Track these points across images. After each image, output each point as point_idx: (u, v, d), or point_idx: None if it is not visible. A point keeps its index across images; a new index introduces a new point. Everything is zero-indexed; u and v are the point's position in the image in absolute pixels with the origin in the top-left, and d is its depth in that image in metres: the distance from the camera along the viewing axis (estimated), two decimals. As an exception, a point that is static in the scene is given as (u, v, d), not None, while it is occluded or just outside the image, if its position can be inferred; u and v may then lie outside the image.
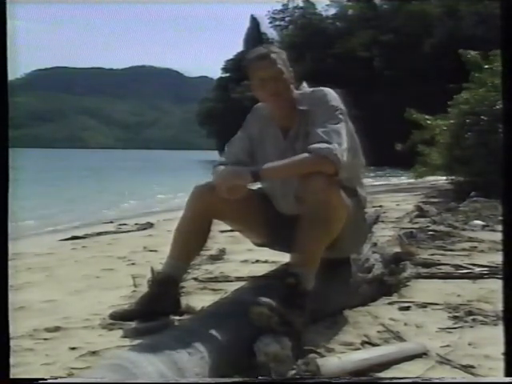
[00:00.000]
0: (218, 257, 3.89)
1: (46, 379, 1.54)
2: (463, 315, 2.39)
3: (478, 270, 3.21)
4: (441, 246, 4.10)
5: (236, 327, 1.88)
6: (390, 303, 2.62)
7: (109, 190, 15.19)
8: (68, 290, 3.10)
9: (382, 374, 1.78)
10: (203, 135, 60.65)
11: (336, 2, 47.88)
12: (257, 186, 2.34)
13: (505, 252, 1.45)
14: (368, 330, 2.22)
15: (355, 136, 2.28)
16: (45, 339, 2.23)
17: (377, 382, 1.68)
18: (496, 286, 2.70)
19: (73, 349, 2.08)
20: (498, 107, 7.63)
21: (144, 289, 2.45)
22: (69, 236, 5.80)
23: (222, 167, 2.20)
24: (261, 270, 2.98)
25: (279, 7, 51.17)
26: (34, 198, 11.21)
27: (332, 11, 48.63)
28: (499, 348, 1.46)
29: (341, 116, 2.14)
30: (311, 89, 2.28)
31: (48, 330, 2.33)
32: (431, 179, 12.72)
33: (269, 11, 51.66)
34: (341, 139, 2.07)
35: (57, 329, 2.34)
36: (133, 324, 2.23)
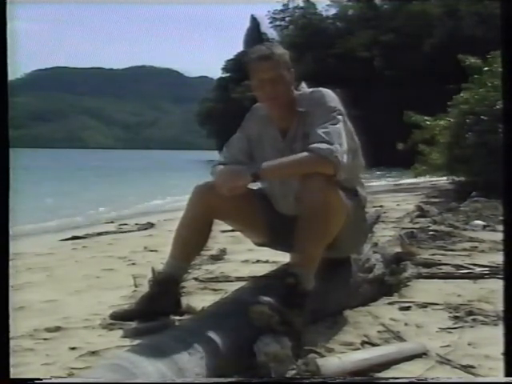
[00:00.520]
0: (218, 257, 3.89)
1: (46, 379, 1.54)
2: (464, 315, 2.39)
3: (478, 270, 3.21)
4: (441, 246, 4.10)
5: (236, 327, 1.88)
6: (390, 303, 2.62)
7: (109, 190, 15.19)
8: (68, 290, 3.10)
9: (382, 374, 1.78)
10: (203, 135, 60.64)
11: (336, 2, 47.93)
12: (257, 186, 2.34)
13: (505, 252, 1.45)
14: (368, 330, 2.22)
15: (355, 137, 2.28)
16: (45, 339, 2.23)
17: (377, 382, 1.68)
18: (496, 286, 2.70)
19: (73, 349, 2.08)
20: (497, 107, 7.63)
21: (144, 289, 2.45)
22: (69, 236, 5.81)
23: (221, 167, 2.20)
24: (261, 270, 2.98)
25: (279, 7, 51.23)
26: (34, 198, 11.20)
27: (332, 11, 48.69)
28: (499, 348, 1.46)
29: (340, 117, 2.13)
30: (310, 89, 2.27)
31: (48, 329, 2.33)
32: (432, 179, 12.73)
33: (269, 11, 51.74)
34: (341, 140, 2.06)
35: (57, 329, 2.34)
36: (133, 324, 2.23)
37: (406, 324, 2.31)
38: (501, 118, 1.49)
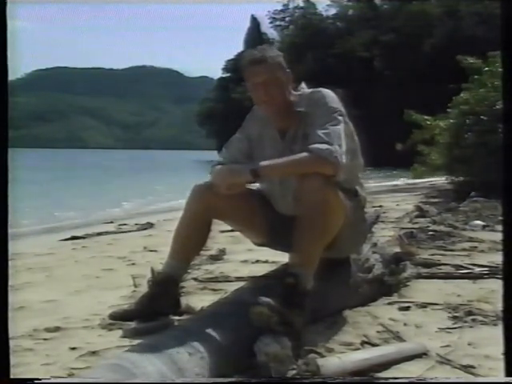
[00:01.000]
0: (218, 257, 3.89)
1: (45, 379, 1.54)
2: (463, 315, 2.39)
3: (478, 270, 3.21)
4: (441, 246, 4.10)
5: (236, 327, 1.88)
6: (389, 303, 2.62)
7: (109, 190, 15.18)
8: (68, 290, 3.10)
9: (382, 374, 1.78)
10: (203, 135, 60.60)
11: (336, 2, 47.92)
12: (256, 186, 2.35)
13: (505, 252, 1.45)
14: (368, 330, 2.22)
15: (355, 137, 2.28)
16: (45, 339, 2.23)
17: (377, 382, 1.68)
18: (496, 286, 2.70)
19: (73, 349, 2.08)
20: (497, 107, 7.63)
21: (144, 289, 2.45)
22: (69, 236, 5.81)
23: (220, 166, 2.21)
24: (261, 270, 2.98)
25: (279, 7, 51.24)
26: (34, 198, 11.20)
27: (332, 11, 48.68)
28: (499, 348, 1.46)
29: (340, 117, 2.13)
30: (310, 90, 2.27)
31: (48, 329, 2.33)
32: (431, 179, 12.72)
33: (269, 11, 51.74)
34: (341, 141, 2.06)
35: (57, 329, 2.34)
36: (133, 324, 2.23)
37: (405, 324, 2.31)
38: (501, 118, 1.49)
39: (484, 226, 5.11)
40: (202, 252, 2.39)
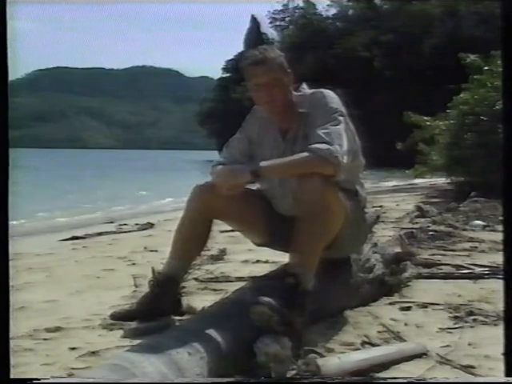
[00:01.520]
0: (218, 257, 3.89)
1: (45, 379, 1.54)
2: (464, 315, 2.39)
3: (478, 270, 3.21)
4: (441, 246, 4.11)
5: (236, 327, 1.88)
6: (390, 303, 2.62)
7: (109, 190, 15.18)
8: (68, 290, 3.10)
9: (382, 374, 1.78)
10: (203, 135, 60.55)
11: (336, 3, 47.86)
12: (256, 186, 2.35)
13: (505, 252, 1.45)
14: (368, 330, 2.22)
15: (356, 137, 2.28)
16: (45, 339, 2.23)
17: (377, 382, 1.68)
18: (497, 286, 2.70)
19: (73, 349, 2.08)
20: (497, 107, 7.63)
21: (145, 289, 2.45)
22: (69, 236, 5.81)
23: (221, 167, 2.21)
24: (261, 270, 2.98)
25: (279, 7, 51.21)
26: (34, 198, 11.20)
27: (332, 11, 48.57)
28: (499, 348, 1.46)
29: (340, 118, 2.13)
30: (311, 90, 2.27)
31: (48, 330, 2.33)
32: (431, 179, 12.73)
33: (269, 11, 51.69)
34: (341, 141, 2.06)
35: (57, 329, 2.34)
36: (133, 324, 2.23)
37: (406, 324, 2.31)
38: (501, 118, 1.49)
39: (484, 226, 5.12)
40: (202, 252, 2.39)
